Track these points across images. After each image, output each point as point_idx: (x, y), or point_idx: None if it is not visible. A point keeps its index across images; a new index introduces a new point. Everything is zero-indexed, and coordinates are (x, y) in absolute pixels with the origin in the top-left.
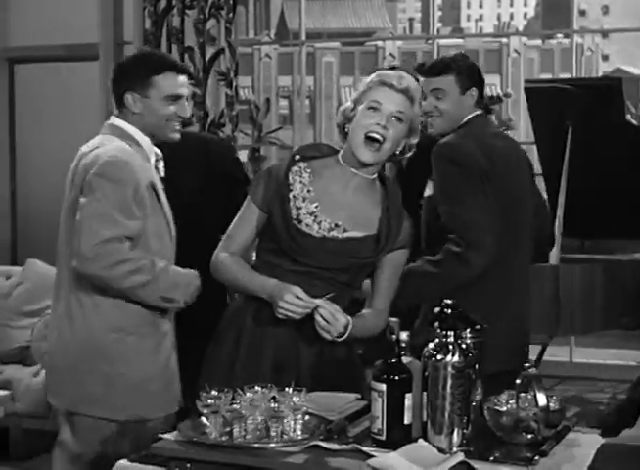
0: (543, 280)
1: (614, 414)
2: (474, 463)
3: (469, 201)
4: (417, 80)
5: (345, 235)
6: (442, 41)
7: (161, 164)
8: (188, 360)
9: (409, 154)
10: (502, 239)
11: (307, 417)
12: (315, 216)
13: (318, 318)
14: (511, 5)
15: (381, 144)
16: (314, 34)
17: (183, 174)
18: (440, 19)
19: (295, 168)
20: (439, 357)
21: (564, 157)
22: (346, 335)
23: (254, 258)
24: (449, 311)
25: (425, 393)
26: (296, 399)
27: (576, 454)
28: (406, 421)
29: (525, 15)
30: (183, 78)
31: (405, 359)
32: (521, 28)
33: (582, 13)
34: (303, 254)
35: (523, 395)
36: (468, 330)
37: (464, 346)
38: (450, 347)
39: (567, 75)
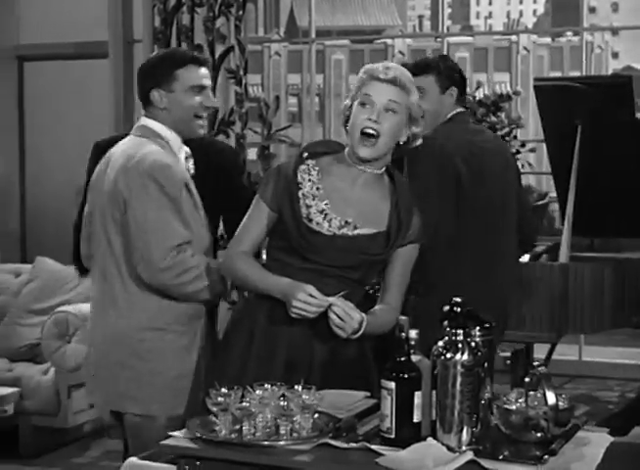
0: (553, 279)
1: (623, 413)
2: (483, 462)
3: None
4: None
5: (356, 232)
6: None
7: (191, 163)
8: None
9: (419, 143)
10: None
11: (317, 415)
12: (325, 214)
13: (332, 316)
14: (520, 2)
15: (376, 139)
16: (324, 32)
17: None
18: (450, 16)
19: (303, 166)
20: (449, 356)
21: (573, 155)
22: (361, 332)
23: (264, 256)
24: (459, 310)
25: (434, 391)
26: (305, 396)
27: (586, 453)
28: (415, 419)
29: (535, 12)
30: (205, 70)
31: (414, 358)
32: (530, 26)
33: (592, 10)
34: (314, 251)
35: (532, 393)
36: (477, 328)
37: (473, 344)
38: (459, 345)
39: (576, 73)
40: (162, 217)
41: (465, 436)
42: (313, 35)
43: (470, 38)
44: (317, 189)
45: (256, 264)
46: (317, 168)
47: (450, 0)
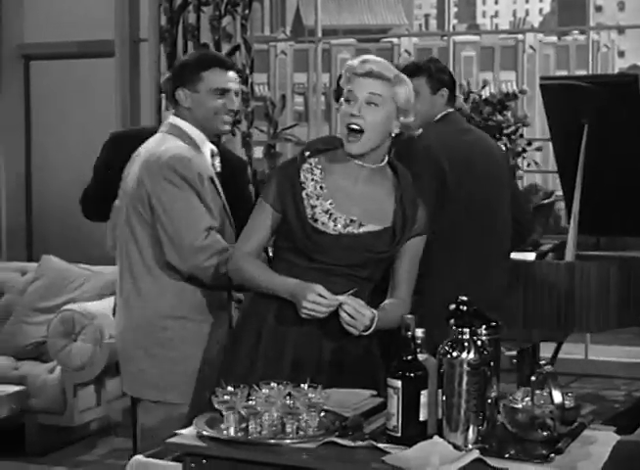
0: (559, 277)
1: (629, 412)
2: (489, 460)
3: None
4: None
5: (362, 230)
6: (458, 38)
7: (217, 161)
8: None
9: (417, 132)
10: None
11: (323, 414)
12: (330, 214)
13: (343, 315)
14: (526, 1)
15: (361, 133)
16: (330, 31)
17: None
18: (456, 15)
19: (305, 166)
20: (455, 354)
21: (579, 153)
22: (372, 328)
23: (271, 255)
24: (465, 308)
25: (440, 390)
26: (311, 395)
27: (592, 452)
28: (422, 418)
29: (541, 11)
30: (231, 74)
31: (421, 356)
32: (536, 25)
33: (598, 9)
34: (319, 251)
35: (538, 392)
36: (483, 327)
37: (479, 343)
38: (466, 344)
39: (582, 72)
40: (189, 204)
41: (471, 434)
42: (319, 34)
43: (476, 37)
44: (321, 188)
45: (262, 265)
46: (320, 167)
47: None
